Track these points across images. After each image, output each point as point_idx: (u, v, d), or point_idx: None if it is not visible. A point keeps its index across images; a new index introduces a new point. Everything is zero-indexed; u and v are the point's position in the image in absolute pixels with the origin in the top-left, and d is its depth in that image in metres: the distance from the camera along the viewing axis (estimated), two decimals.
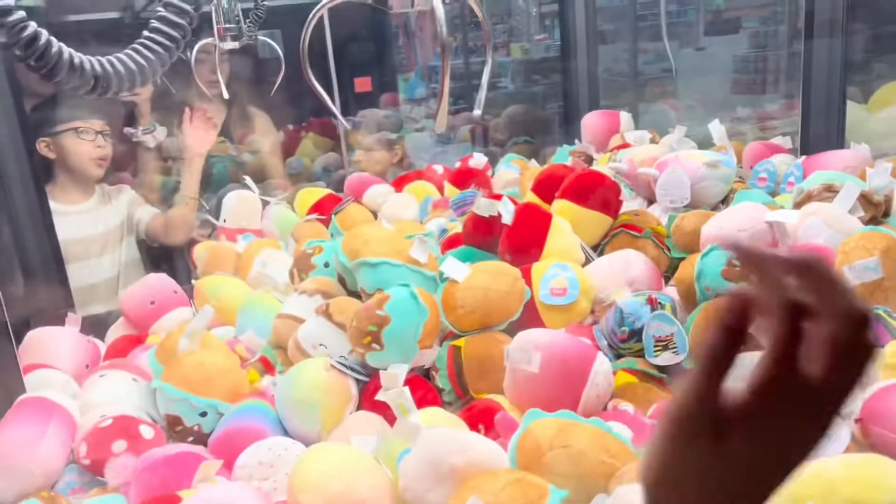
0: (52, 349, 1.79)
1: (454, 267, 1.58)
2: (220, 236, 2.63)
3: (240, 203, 2.66)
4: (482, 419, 1.37)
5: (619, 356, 1.53)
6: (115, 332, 2.12)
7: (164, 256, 2.94)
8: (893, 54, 2.77)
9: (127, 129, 2.85)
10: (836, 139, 2.21)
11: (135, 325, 2.09)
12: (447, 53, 1.10)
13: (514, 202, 1.84)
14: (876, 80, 2.66)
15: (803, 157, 2.16)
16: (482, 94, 1.36)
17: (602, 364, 1.39)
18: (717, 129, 2.42)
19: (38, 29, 1.18)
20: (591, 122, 2.93)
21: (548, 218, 1.76)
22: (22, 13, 1.17)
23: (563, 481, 1.05)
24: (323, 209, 2.69)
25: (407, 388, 1.33)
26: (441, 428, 1.15)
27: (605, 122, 2.89)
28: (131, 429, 1.39)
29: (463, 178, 2.80)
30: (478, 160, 2.92)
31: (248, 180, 2.77)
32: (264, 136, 3.42)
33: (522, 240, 1.74)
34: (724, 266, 1.52)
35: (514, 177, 2.81)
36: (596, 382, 1.38)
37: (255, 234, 2.63)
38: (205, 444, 1.47)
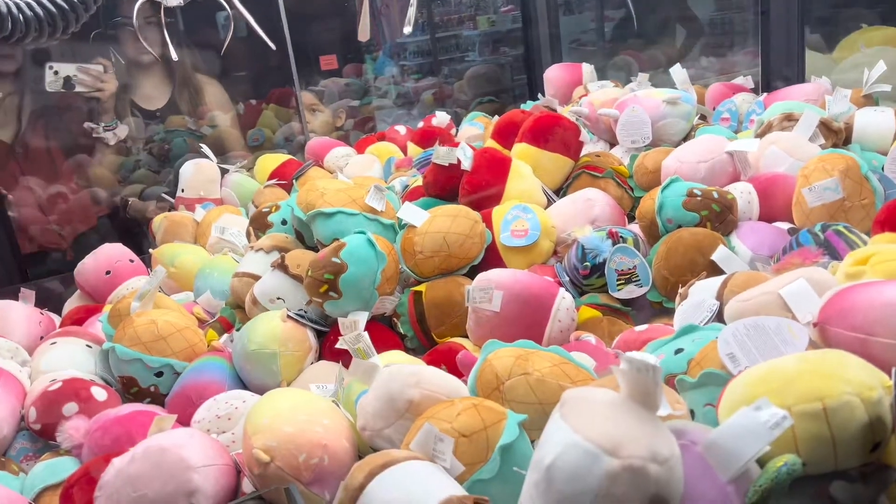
0: (3, 321, 1.73)
1: (412, 212, 1.54)
2: (178, 206, 2.57)
3: (197, 172, 2.59)
4: (444, 360, 1.34)
5: (582, 293, 1.51)
6: (72, 304, 2.07)
7: (122, 229, 2.88)
8: (857, 6, 2.76)
9: (88, 125, 2.79)
10: (797, 77, 2.19)
11: (91, 295, 2.03)
12: None
13: (472, 148, 1.80)
14: (842, 30, 2.65)
15: (764, 94, 2.14)
16: (412, 11, 1.30)
17: (564, 299, 1.37)
18: (678, 73, 2.38)
19: None
20: (553, 75, 2.88)
21: (507, 161, 1.72)
22: None
23: (522, 408, 1.02)
24: (284, 175, 2.64)
25: (366, 333, 1.30)
26: (397, 364, 1.11)
27: (568, 74, 2.84)
28: (82, 391, 1.34)
29: (426, 137, 2.75)
30: (441, 118, 2.88)
31: (205, 149, 2.70)
32: (220, 108, 3.34)
33: (482, 184, 1.71)
34: (684, 197, 1.50)
35: (477, 133, 2.76)
36: (559, 318, 1.35)
37: (215, 202, 2.57)
38: (162, 405, 1.43)
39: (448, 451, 0.88)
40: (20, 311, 1.81)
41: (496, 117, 3.02)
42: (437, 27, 5.83)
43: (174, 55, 2.36)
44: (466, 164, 1.71)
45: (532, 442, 0.95)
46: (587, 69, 2.84)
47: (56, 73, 2.55)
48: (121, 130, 2.87)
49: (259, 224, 1.86)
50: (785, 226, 1.50)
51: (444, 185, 1.83)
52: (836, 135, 1.71)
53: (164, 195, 2.86)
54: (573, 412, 0.67)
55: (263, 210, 1.89)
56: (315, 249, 1.70)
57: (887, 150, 1.56)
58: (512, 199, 1.67)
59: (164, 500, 0.92)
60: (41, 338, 1.78)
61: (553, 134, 1.79)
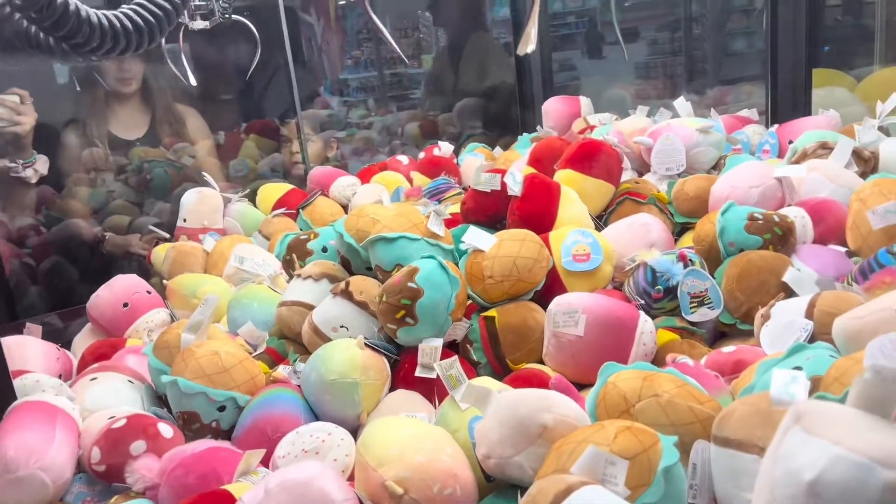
0: (23, 358, 1.61)
1: (478, 237, 1.51)
2: (179, 236, 2.46)
3: (200, 202, 2.50)
4: (523, 386, 1.31)
5: (651, 318, 1.51)
6: (83, 339, 1.94)
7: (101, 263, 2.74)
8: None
9: (3, 162, 2.52)
10: (805, 108, 2.29)
11: (105, 329, 1.92)
12: None
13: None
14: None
15: (776, 125, 2.23)
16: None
17: (646, 322, 1.36)
18: (682, 105, 2.46)
19: None
20: (551, 107, 2.92)
21: (557, 188, 1.73)
22: None
23: (656, 431, 1.00)
24: (289, 204, 2.57)
25: (456, 358, 1.26)
26: (519, 390, 1.08)
27: (566, 107, 2.89)
28: (150, 428, 1.25)
29: (431, 166, 2.75)
30: (444, 149, 2.88)
31: (208, 177, 2.61)
32: (200, 138, 3.25)
33: (534, 210, 1.70)
34: (745, 221, 1.53)
35: (481, 164, 2.77)
36: (643, 342, 1.34)
37: (219, 232, 2.48)
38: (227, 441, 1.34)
39: (621, 474, 0.86)
40: (37, 347, 1.69)
41: (497, 148, 3.05)
42: (383, 64, 5.91)
43: (192, 81, 2.28)
44: (517, 190, 1.70)
45: None
46: (585, 102, 2.90)
47: None
48: (41, 165, 2.63)
49: (299, 252, 1.79)
50: (840, 249, 1.54)
51: (485, 212, 1.81)
52: (867, 163, 1.79)
53: (152, 227, 2.75)
54: (821, 425, 0.66)
55: (302, 237, 1.82)
56: (364, 276, 1.65)
57: None
58: (565, 225, 1.66)
59: None
60: (60, 375, 1.67)
61: (597, 160, 1.80)
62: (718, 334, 1.52)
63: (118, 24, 1.12)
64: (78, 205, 2.90)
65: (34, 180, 2.62)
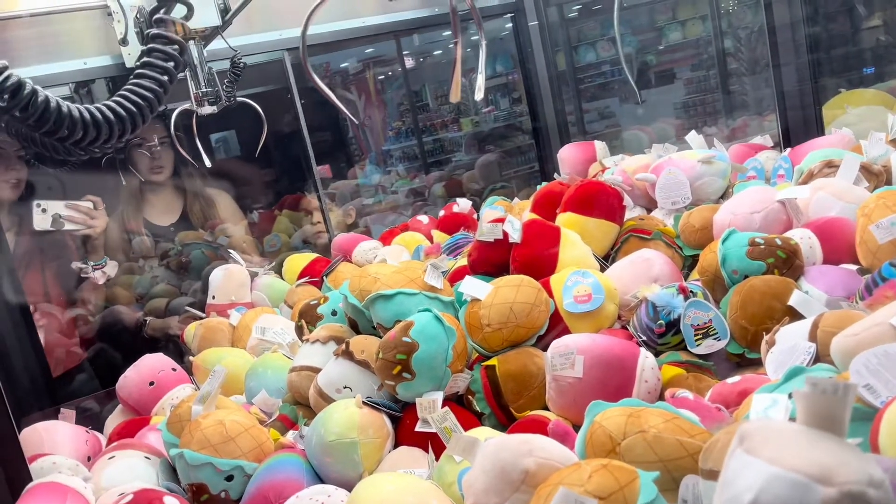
0: (51, 442, 1.66)
1: (474, 285, 1.52)
2: (210, 313, 2.53)
3: (227, 278, 2.57)
4: (532, 432, 1.28)
5: (657, 353, 1.47)
6: (114, 420, 2.00)
7: (150, 342, 2.83)
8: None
9: (76, 264, 2.71)
10: (817, 130, 2.24)
11: (133, 409, 1.97)
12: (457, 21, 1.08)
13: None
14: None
15: (788, 149, 2.18)
16: (481, 79, 1.33)
17: (647, 358, 1.33)
18: (695, 139, 2.44)
19: (23, 78, 1.13)
20: (566, 154, 2.93)
21: (556, 231, 1.72)
22: (4, 62, 1.12)
23: (642, 468, 0.97)
24: (313, 272, 2.63)
25: (448, 409, 1.25)
26: (502, 436, 1.06)
27: (581, 152, 2.90)
28: (155, 502, 1.27)
29: (450, 223, 2.78)
30: (463, 206, 2.91)
31: (234, 254, 2.70)
32: (232, 217, 3.37)
33: (534, 255, 1.69)
34: (746, 247, 1.49)
35: (484, 215, 2.79)
36: (645, 378, 1.31)
37: (246, 306, 2.54)
38: None
39: None
40: (66, 431, 1.75)
41: (516, 200, 3.07)
42: (422, 132, 6.09)
43: (207, 163, 2.38)
44: (516, 237, 1.71)
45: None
46: (600, 146, 2.90)
47: (44, 210, 2.49)
48: (110, 268, 2.80)
49: (309, 317, 1.82)
50: (851, 267, 1.48)
51: (491, 262, 1.81)
52: (878, 177, 1.73)
53: (187, 308, 2.83)
54: (760, 444, 0.63)
55: (312, 303, 1.86)
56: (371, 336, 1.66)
57: None
58: (567, 267, 1.65)
59: None
60: (88, 458, 1.71)
61: (597, 201, 1.80)
62: (732, 366, 1.47)
63: (100, 116, 1.19)
64: (122, 291, 3.02)
65: (101, 282, 2.77)
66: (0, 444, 1.32)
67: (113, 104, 1.23)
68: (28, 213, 2.51)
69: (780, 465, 0.59)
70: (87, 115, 1.18)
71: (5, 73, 1.10)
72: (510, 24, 3.61)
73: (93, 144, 1.18)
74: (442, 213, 2.97)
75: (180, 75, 1.90)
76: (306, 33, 1.17)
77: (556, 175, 3.00)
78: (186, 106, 2.09)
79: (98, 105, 1.21)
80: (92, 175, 2.88)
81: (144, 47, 1.32)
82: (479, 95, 1.24)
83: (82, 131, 1.17)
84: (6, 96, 1.12)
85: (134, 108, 1.24)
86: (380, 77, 6.21)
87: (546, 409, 1.40)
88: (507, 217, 1.75)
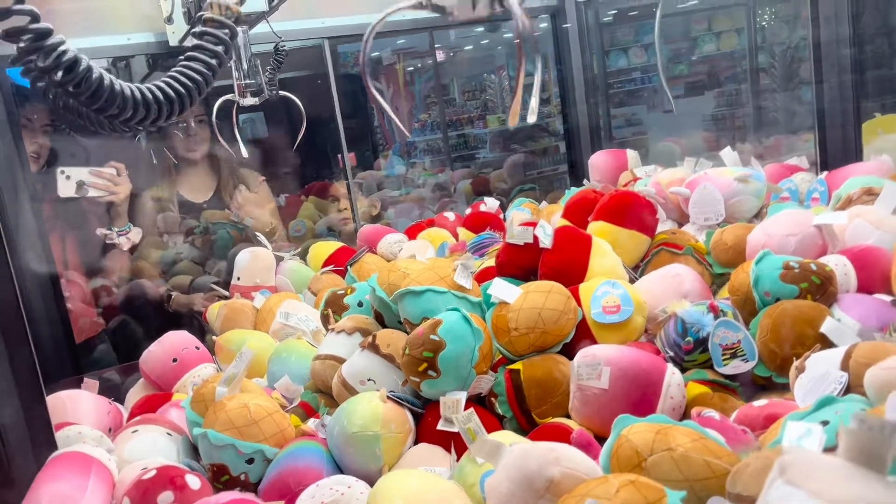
0: (75, 411, 1.68)
1: (504, 289, 1.52)
2: (234, 294, 2.56)
3: (253, 260, 2.60)
4: (552, 440, 1.29)
5: (683, 370, 1.46)
6: (135, 393, 2.02)
7: (173, 317, 2.87)
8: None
9: (100, 231, 2.76)
10: (855, 155, 2.22)
11: (156, 384, 1.99)
12: (523, 48, 1.08)
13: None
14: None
15: (825, 172, 2.16)
16: (535, 102, 1.34)
17: (674, 375, 1.33)
18: (729, 155, 2.42)
19: (78, 54, 1.15)
20: (598, 161, 2.93)
21: (588, 239, 1.72)
22: (61, 37, 1.13)
23: (667, 486, 0.97)
24: (338, 261, 2.64)
25: (473, 411, 1.25)
26: (527, 443, 1.06)
27: (613, 160, 2.89)
28: (177, 479, 1.28)
29: (477, 222, 2.77)
30: (490, 205, 2.91)
31: (261, 237, 2.72)
32: (262, 200, 3.40)
33: (564, 262, 1.69)
34: (781, 270, 1.48)
35: (514, 217, 2.79)
36: (671, 395, 1.31)
37: (270, 290, 2.56)
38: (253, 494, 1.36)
39: None
40: (90, 401, 1.77)
41: (544, 203, 3.06)
42: (448, 126, 6.09)
43: (244, 153, 2.40)
44: (547, 242, 1.71)
45: None
46: (632, 155, 2.89)
47: (68, 177, 2.52)
48: (134, 234, 2.84)
49: (336, 306, 1.84)
50: (886, 298, 1.47)
51: (518, 265, 1.81)
52: None
53: (212, 286, 2.86)
54: (803, 476, 0.63)
55: (339, 292, 1.87)
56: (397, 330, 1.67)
57: None
58: (597, 276, 1.65)
59: None
60: (110, 429, 1.74)
61: (631, 212, 1.79)
62: (757, 388, 1.46)
63: (150, 96, 1.21)
64: (147, 265, 3.05)
65: (126, 248, 2.81)
66: (28, 411, 1.34)
67: (163, 85, 1.24)
68: (52, 180, 2.55)
69: (823, 498, 0.59)
70: (137, 94, 1.19)
71: (62, 48, 1.12)
72: (544, 24, 3.60)
73: (140, 123, 1.20)
74: (468, 210, 2.97)
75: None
76: (366, 51, 1.17)
77: (585, 181, 3.00)
78: (229, 96, 2.11)
79: (149, 85, 1.22)
80: (118, 143, 2.92)
81: (196, 29, 1.32)
82: (532, 119, 1.25)
83: (132, 110, 1.18)
84: (61, 71, 1.13)
85: (183, 91, 1.25)
86: (409, 69, 6.22)
87: (568, 417, 1.40)
88: (539, 221, 1.75)
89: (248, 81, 2.04)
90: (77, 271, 2.90)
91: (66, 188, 2.52)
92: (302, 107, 2.39)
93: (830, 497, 0.59)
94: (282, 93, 2.20)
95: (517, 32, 1.07)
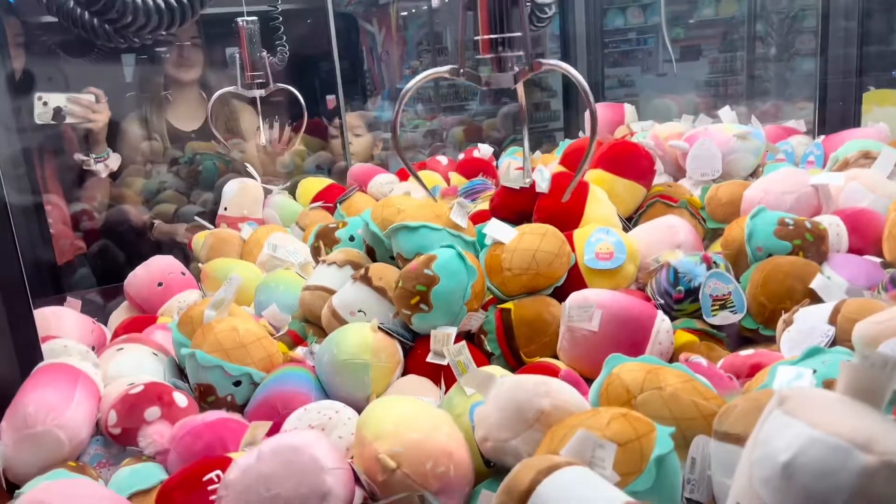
0: (59, 327, 1.67)
1: (500, 229, 1.51)
2: (220, 224, 2.53)
3: (242, 192, 2.56)
4: None
5: (671, 318, 1.48)
6: (119, 315, 2.01)
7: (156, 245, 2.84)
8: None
9: (78, 156, 2.69)
10: (853, 121, 2.22)
11: (140, 307, 1.98)
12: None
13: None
14: None
15: (822, 136, 2.16)
16: (528, 165, 1.37)
17: (663, 321, 1.34)
18: (727, 114, 2.42)
19: None
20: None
21: (585, 186, 1.71)
22: None
23: (657, 423, 0.98)
24: (327, 198, 2.61)
25: (465, 344, 1.26)
26: (519, 375, 1.07)
27: (610, 113, 2.87)
28: (164, 396, 1.29)
29: (469, 167, 2.76)
30: (484, 151, 2.88)
31: (251, 168, 2.68)
32: (251, 133, 3.34)
33: (560, 208, 1.69)
34: (775, 226, 1.49)
35: (511, 160, 2.77)
36: (659, 340, 1.32)
37: (257, 222, 2.54)
38: (240, 415, 1.37)
39: (609, 458, 0.84)
40: (73, 319, 1.75)
41: (537, 153, 3.04)
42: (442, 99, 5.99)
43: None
44: (544, 187, 1.70)
45: None
46: (629, 109, 2.87)
47: (45, 103, 2.45)
48: (112, 161, 2.77)
49: (327, 240, 1.82)
50: (875, 259, 1.49)
51: (513, 209, 1.81)
52: None
53: (196, 217, 2.83)
54: (801, 407, 0.64)
55: (330, 226, 1.85)
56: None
57: None
58: (591, 224, 1.65)
59: (299, 500, 0.87)
60: (93, 347, 1.73)
61: (629, 161, 1.79)
62: (742, 340, 1.48)
63: (151, 4, 1.17)
64: (130, 193, 3.01)
65: (104, 174, 2.76)
66: (15, 321, 1.32)
67: None
68: (29, 105, 2.49)
69: (821, 428, 0.60)
70: (140, 2, 1.15)
71: None
72: None
73: (142, 31, 1.16)
74: (461, 156, 2.95)
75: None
76: (398, 121, 1.15)
77: (580, 133, 2.99)
78: (231, 89, 2.11)
79: None
80: (99, 68, 2.84)
81: None
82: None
83: (144, 19, 1.15)
84: None
85: (186, 1, 1.21)
86: (403, 13, 6.07)
87: (555, 357, 1.42)
88: (537, 166, 1.74)
89: (255, 73, 2.04)
90: (56, 195, 2.85)
91: (43, 114, 2.46)
92: (303, 101, 2.37)
93: (831, 428, 0.60)
94: (280, 85, 2.22)
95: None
